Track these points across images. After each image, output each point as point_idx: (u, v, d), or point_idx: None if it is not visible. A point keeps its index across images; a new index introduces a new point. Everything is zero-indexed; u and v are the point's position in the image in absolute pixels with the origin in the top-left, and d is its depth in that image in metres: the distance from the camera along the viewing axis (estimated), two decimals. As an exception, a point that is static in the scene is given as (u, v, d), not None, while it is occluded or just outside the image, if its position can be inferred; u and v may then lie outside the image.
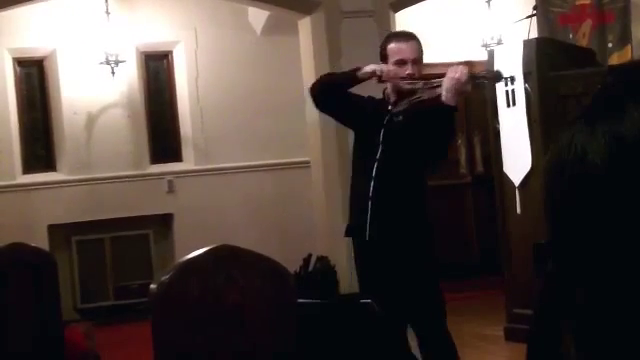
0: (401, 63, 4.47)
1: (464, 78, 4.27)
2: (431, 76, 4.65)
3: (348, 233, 4.65)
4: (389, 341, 3.93)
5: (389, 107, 4.53)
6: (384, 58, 4.55)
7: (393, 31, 4.80)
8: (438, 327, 4.43)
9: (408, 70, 4.44)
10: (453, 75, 4.26)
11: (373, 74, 4.45)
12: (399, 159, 4.41)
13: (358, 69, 4.50)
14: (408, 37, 4.61)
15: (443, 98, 4.27)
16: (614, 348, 0.87)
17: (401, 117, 4.44)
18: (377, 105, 4.56)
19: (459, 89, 4.30)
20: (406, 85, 4.45)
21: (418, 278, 4.41)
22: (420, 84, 4.43)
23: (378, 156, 4.44)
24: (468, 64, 10.48)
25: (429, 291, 4.43)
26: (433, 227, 4.53)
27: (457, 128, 4.64)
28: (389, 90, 4.57)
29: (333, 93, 4.54)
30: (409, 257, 4.39)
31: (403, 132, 4.42)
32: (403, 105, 4.44)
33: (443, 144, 4.42)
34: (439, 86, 4.35)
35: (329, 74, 4.85)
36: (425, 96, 4.41)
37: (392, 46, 4.53)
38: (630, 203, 0.85)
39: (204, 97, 9.93)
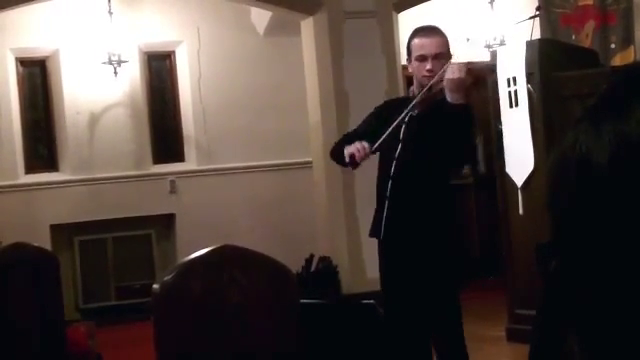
0: (421, 59, 4.35)
1: (464, 75, 4.19)
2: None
3: (370, 232, 4.55)
4: (391, 343, 3.93)
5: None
6: (409, 53, 4.44)
7: (419, 25, 4.61)
8: (452, 333, 4.36)
9: (428, 66, 4.32)
10: (452, 76, 4.18)
11: (351, 157, 4.30)
12: (415, 156, 4.32)
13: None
14: (431, 32, 4.46)
15: (449, 99, 4.19)
16: (618, 348, 0.87)
17: (416, 112, 4.34)
18: (401, 104, 4.44)
19: (462, 87, 4.21)
20: (426, 81, 4.32)
21: (432, 280, 4.31)
22: (435, 78, 4.33)
23: (397, 154, 4.36)
24: (470, 65, 10.54)
25: (444, 295, 4.33)
26: (455, 228, 4.41)
27: (475, 129, 4.42)
28: (414, 87, 4.46)
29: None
30: (424, 259, 4.29)
31: (419, 128, 4.33)
32: (416, 100, 4.34)
33: (458, 145, 4.30)
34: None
35: (332, 152, 4.62)
36: (433, 89, 4.31)
37: (415, 41, 4.41)
38: (635, 202, 0.85)
39: (206, 97, 9.93)
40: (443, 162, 4.34)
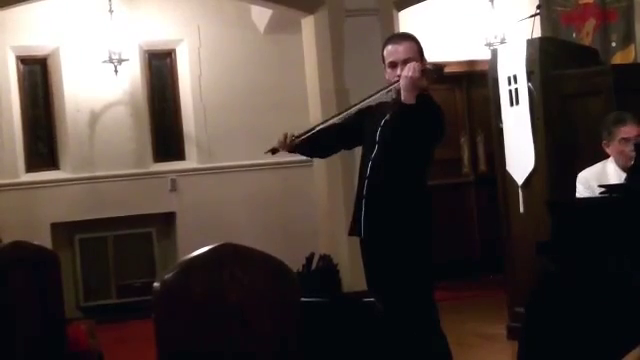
0: (392, 65, 4.49)
1: (417, 74, 4.30)
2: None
3: (349, 231, 4.71)
4: (391, 340, 3.93)
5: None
6: (383, 61, 4.58)
7: (393, 33, 4.74)
8: (426, 330, 4.43)
9: (398, 71, 4.44)
10: (407, 74, 4.30)
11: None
12: (387, 157, 4.46)
13: None
14: (401, 38, 4.63)
15: (402, 98, 4.32)
16: None
17: (388, 116, 4.48)
18: (378, 109, 4.61)
19: (415, 86, 4.31)
20: (398, 87, 4.46)
21: (405, 277, 4.41)
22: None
23: (373, 155, 4.52)
24: (471, 63, 10.54)
25: (415, 292, 4.42)
26: (429, 229, 4.49)
27: (443, 126, 4.54)
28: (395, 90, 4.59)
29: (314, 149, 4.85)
30: (397, 256, 4.41)
31: (388, 131, 4.47)
32: (387, 104, 4.51)
33: (419, 143, 4.42)
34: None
35: None
36: (394, 94, 4.47)
37: (386, 49, 4.56)
38: None
39: (207, 95, 9.93)
40: (412, 162, 4.46)
